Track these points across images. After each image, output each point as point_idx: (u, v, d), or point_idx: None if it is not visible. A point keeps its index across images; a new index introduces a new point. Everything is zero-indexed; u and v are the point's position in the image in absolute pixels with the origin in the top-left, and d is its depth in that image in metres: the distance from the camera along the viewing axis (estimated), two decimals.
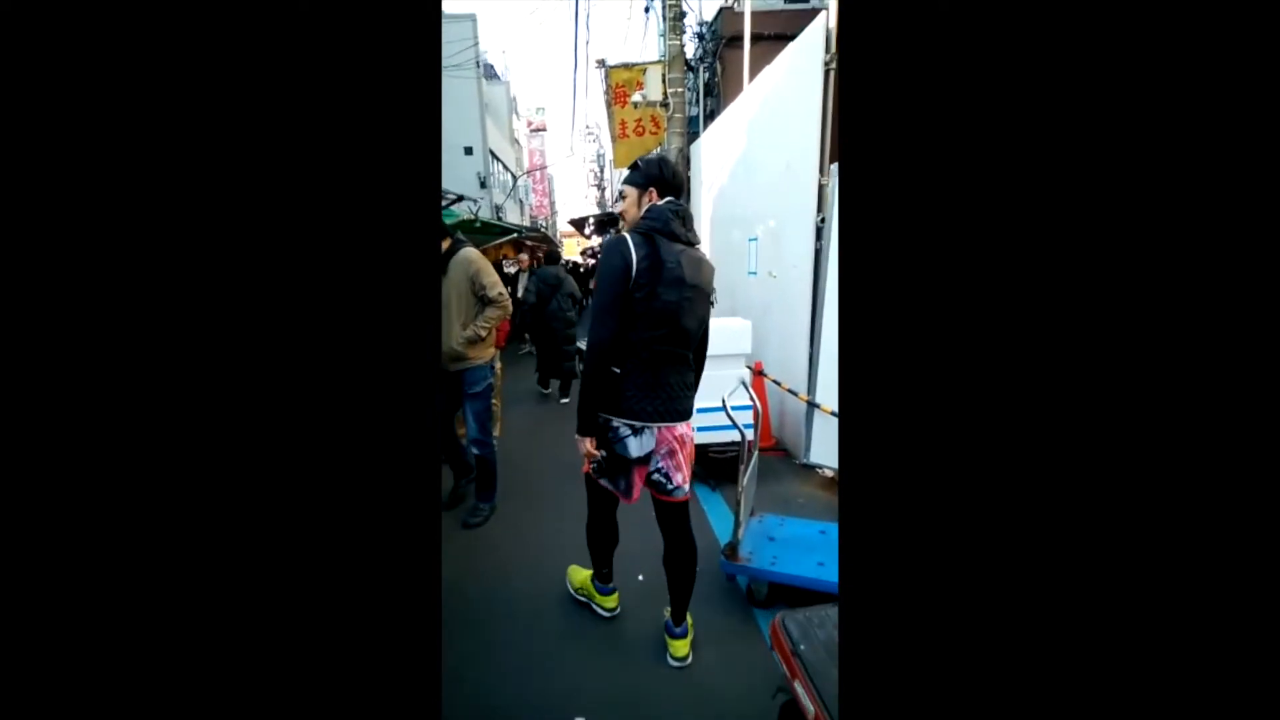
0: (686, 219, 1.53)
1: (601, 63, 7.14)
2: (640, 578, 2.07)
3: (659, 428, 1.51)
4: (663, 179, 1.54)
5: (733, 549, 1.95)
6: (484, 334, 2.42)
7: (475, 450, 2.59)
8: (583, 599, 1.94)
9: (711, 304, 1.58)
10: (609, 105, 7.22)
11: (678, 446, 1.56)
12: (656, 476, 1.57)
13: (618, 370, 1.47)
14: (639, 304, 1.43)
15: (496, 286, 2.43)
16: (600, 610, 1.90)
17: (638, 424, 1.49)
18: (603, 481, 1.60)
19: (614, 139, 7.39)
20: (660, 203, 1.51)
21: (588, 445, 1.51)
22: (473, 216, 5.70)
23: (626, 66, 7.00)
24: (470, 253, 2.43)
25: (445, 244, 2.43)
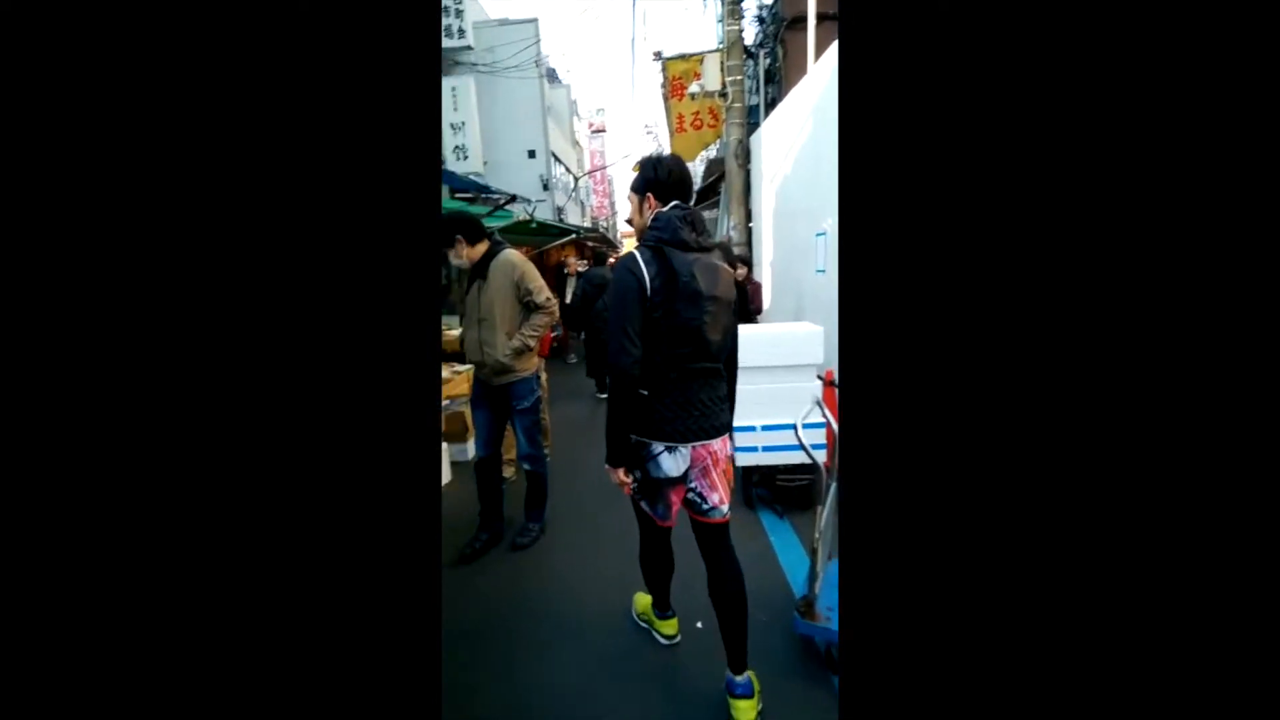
0: (696, 223, 1.41)
1: (658, 55, 6.93)
2: (700, 625, 1.85)
3: (692, 446, 1.43)
4: (659, 181, 1.42)
5: (808, 605, 1.66)
6: (532, 343, 2.27)
7: (527, 466, 2.46)
8: (643, 624, 1.87)
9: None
10: (666, 99, 7.00)
11: (711, 463, 1.46)
12: (691, 496, 1.48)
13: (645, 392, 1.39)
14: (659, 323, 1.35)
15: (544, 290, 2.28)
16: (659, 637, 1.79)
17: (671, 444, 1.42)
18: (641, 504, 1.53)
19: (672, 134, 7.16)
20: (665, 209, 1.40)
21: (619, 475, 1.45)
22: (528, 217, 5.66)
23: (683, 57, 6.75)
24: (513, 255, 2.29)
25: (483, 247, 2.27)
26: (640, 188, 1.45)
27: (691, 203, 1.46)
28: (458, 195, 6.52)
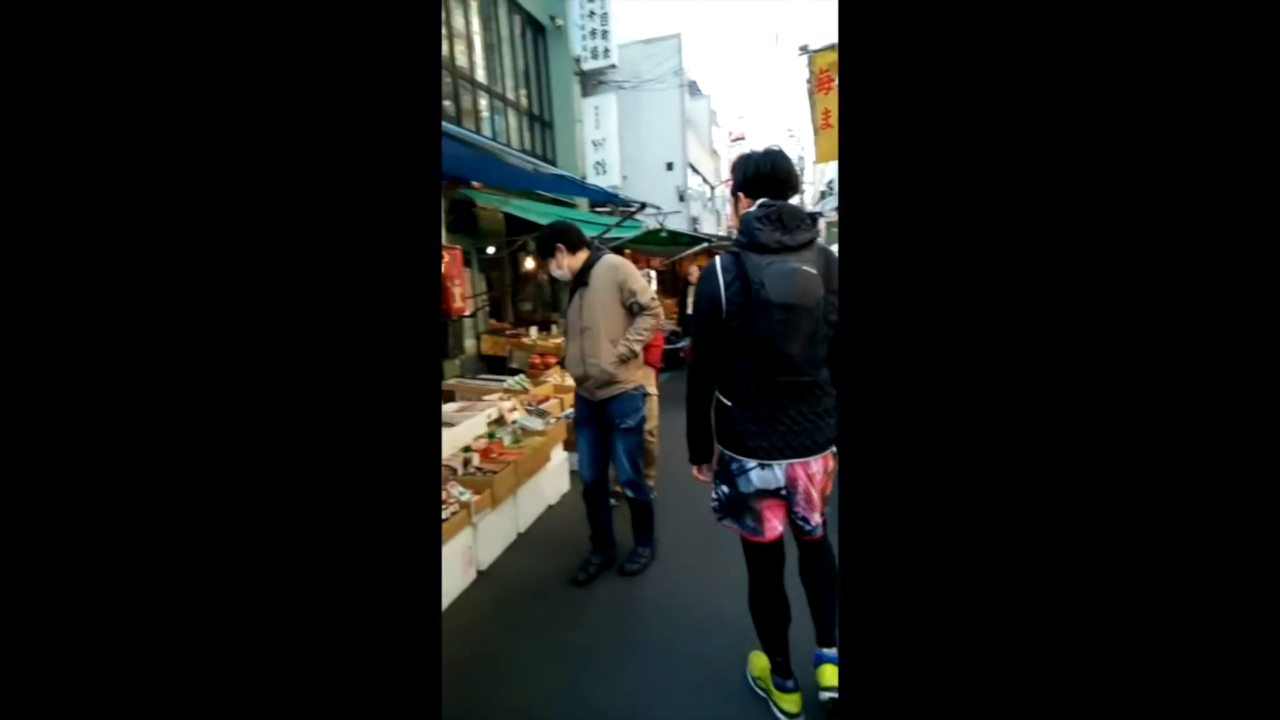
0: (784, 218, 1.30)
1: (804, 48, 6.47)
2: (825, 696, 1.51)
3: (787, 464, 1.36)
4: (746, 179, 1.38)
5: None
6: (637, 348, 2.09)
7: (629, 493, 2.27)
8: (760, 691, 1.60)
9: (831, 305, 1.33)
10: (811, 94, 6.50)
11: (809, 484, 1.39)
12: (798, 522, 1.44)
13: (729, 403, 1.39)
14: (736, 333, 1.31)
15: (647, 292, 2.10)
16: (778, 713, 1.51)
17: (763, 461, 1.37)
18: (726, 523, 1.48)
19: (816, 131, 6.63)
20: (750, 209, 1.33)
21: (696, 473, 1.56)
22: (659, 226, 5.58)
23: (832, 48, 6.22)
24: (614, 259, 2.15)
25: (583, 255, 2.16)
26: (734, 188, 1.42)
27: (792, 197, 1.39)
28: (597, 209, 6.72)
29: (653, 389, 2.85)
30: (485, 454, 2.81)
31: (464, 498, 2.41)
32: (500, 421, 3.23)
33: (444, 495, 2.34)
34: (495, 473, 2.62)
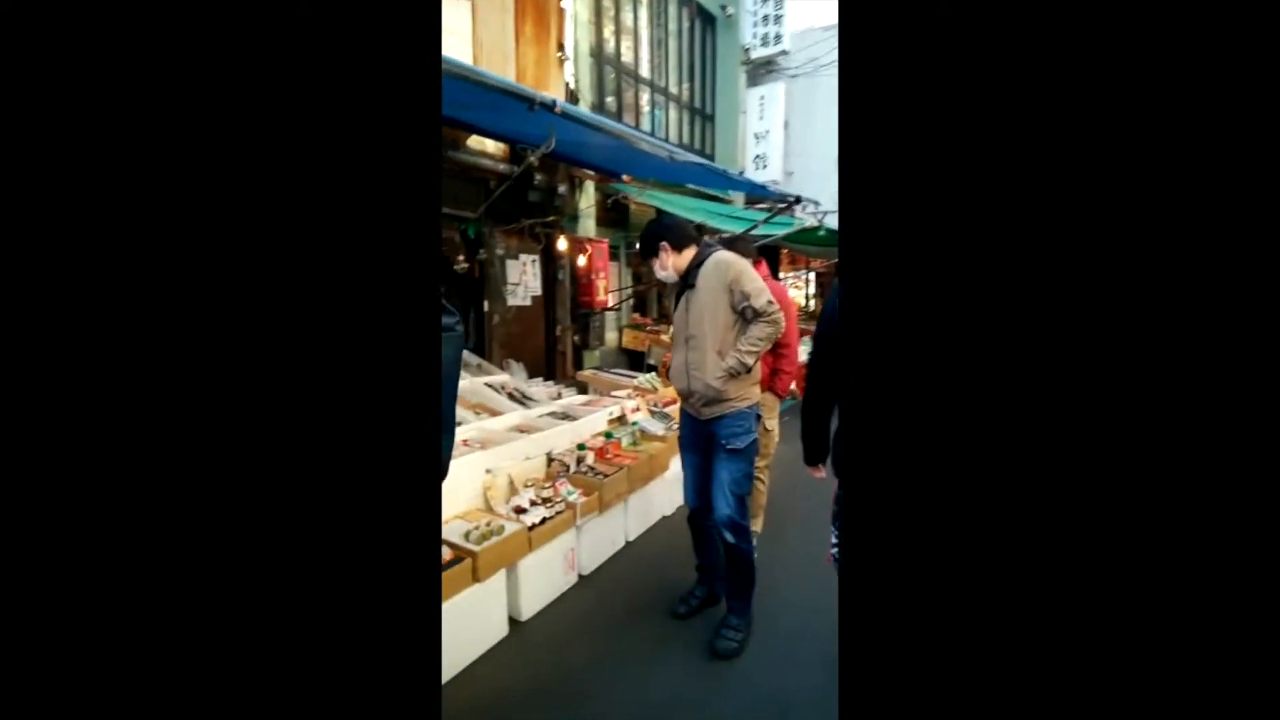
0: None
1: None
2: None
3: None
4: None
5: None
6: (750, 360, 1.74)
7: (728, 536, 1.85)
8: None
9: None
10: None
11: None
12: None
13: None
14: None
15: (764, 294, 1.73)
16: None
17: None
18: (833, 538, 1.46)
19: None
20: None
21: (811, 472, 1.63)
22: (817, 224, 5.04)
23: None
24: (724, 256, 1.82)
25: (690, 253, 1.87)
26: None
27: None
28: (755, 204, 6.34)
29: (771, 422, 2.45)
30: (600, 453, 2.72)
31: (571, 497, 2.32)
32: (621, 420, 3.12)
33: (552, 491, 2.27)
34: (607, 475, 2.50)
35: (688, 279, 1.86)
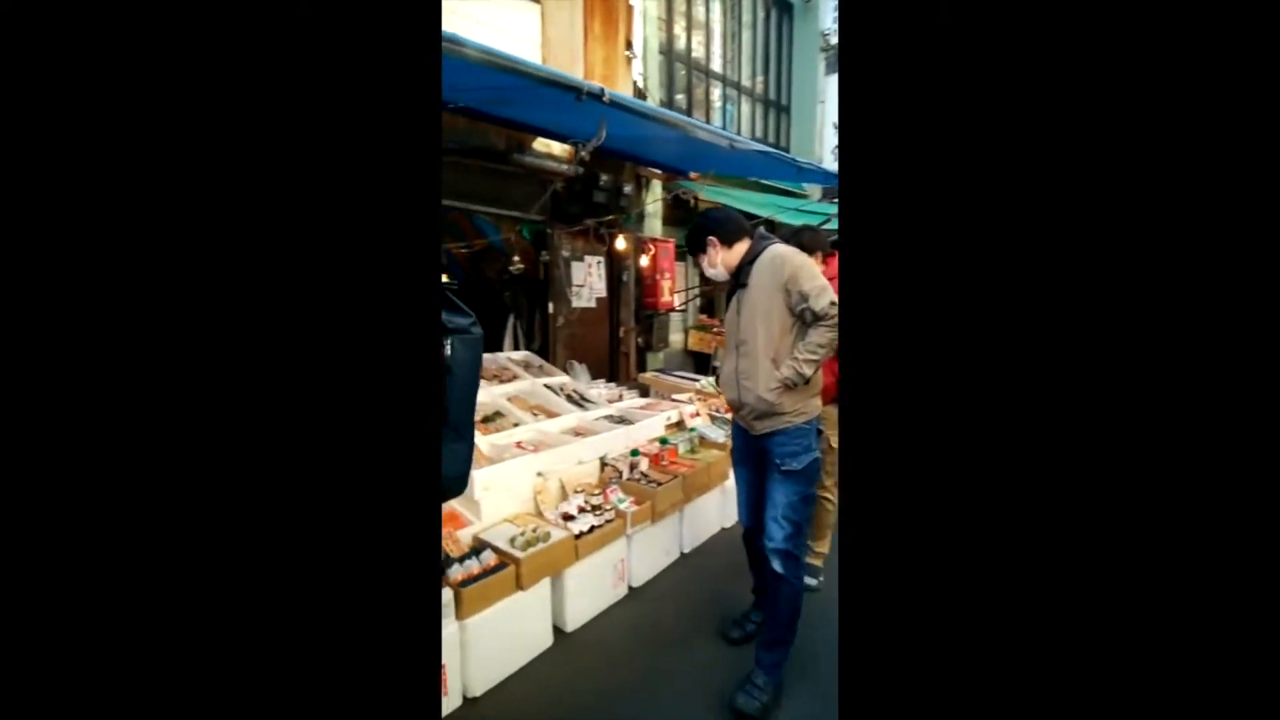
0: None
1: None
2: None
3: None
4: None
5: None
6: (809, 370, 1.53)
7: (776, 565, 1.61)
8: None
9: None
10: None
11: None
12: None
13: None
14: None
15: (825, 294, 1.51)
16: None
17: None
18: None
19: None
20: None
21: None
22: None
23: None
24: (780, 250, 1.61)
25: (742, 248, 1.68)
26: None
27: None
28: (834, 198, 5.98)
29: (837, 437, 2.21)
30: (656, 460, 2.62)
31: (622, 505, 2.24)
32: (680, 426, 3.01)
33: (602, 499, 2.20)
34: (661, 484, 2.39)
35: (739, 277, 1.67)
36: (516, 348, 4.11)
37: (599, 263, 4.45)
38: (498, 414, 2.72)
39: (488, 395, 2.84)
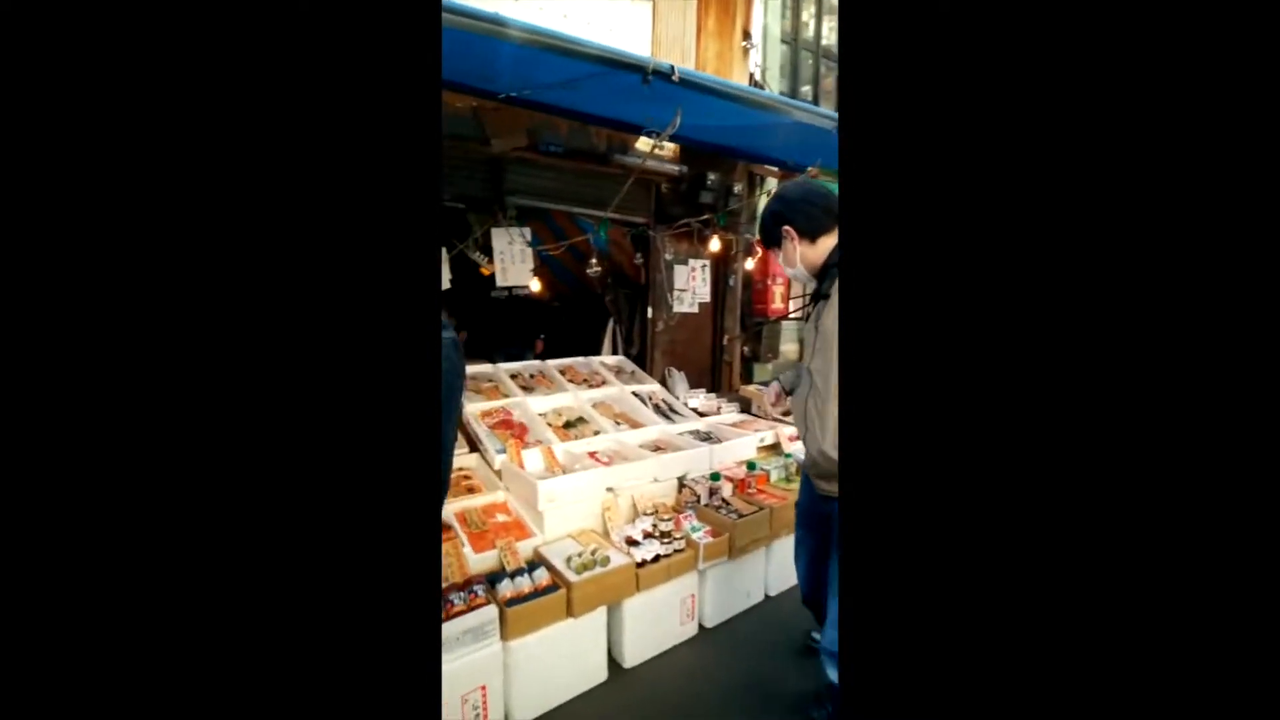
0: None
1: None
2: None
3: None
4: None
5: None
6: None
7: (830, 673, 1.28)
8: None
9: None
10: None
11: None
12: None
13: None
14: None
15: None
16: None
17: None
18: None
19: None
20: None
21: None
22: None
23: None
24: None
25: (830, 242, 1.29)
26: None
27: None
28: None
29: None
30: (742, 486, 2.35)
31: (696, 534, 2.02)
32: (775, 449, 2.69)
33: (674, 525, 2.00)
34: (743, 515, 2.12)
35: (822, 284, 1.30)
36: (615, 352, 4.05)
37: (703, 266, 4.23)
38: (580, 420, 2.64)
39: (574, 400, 2.79)
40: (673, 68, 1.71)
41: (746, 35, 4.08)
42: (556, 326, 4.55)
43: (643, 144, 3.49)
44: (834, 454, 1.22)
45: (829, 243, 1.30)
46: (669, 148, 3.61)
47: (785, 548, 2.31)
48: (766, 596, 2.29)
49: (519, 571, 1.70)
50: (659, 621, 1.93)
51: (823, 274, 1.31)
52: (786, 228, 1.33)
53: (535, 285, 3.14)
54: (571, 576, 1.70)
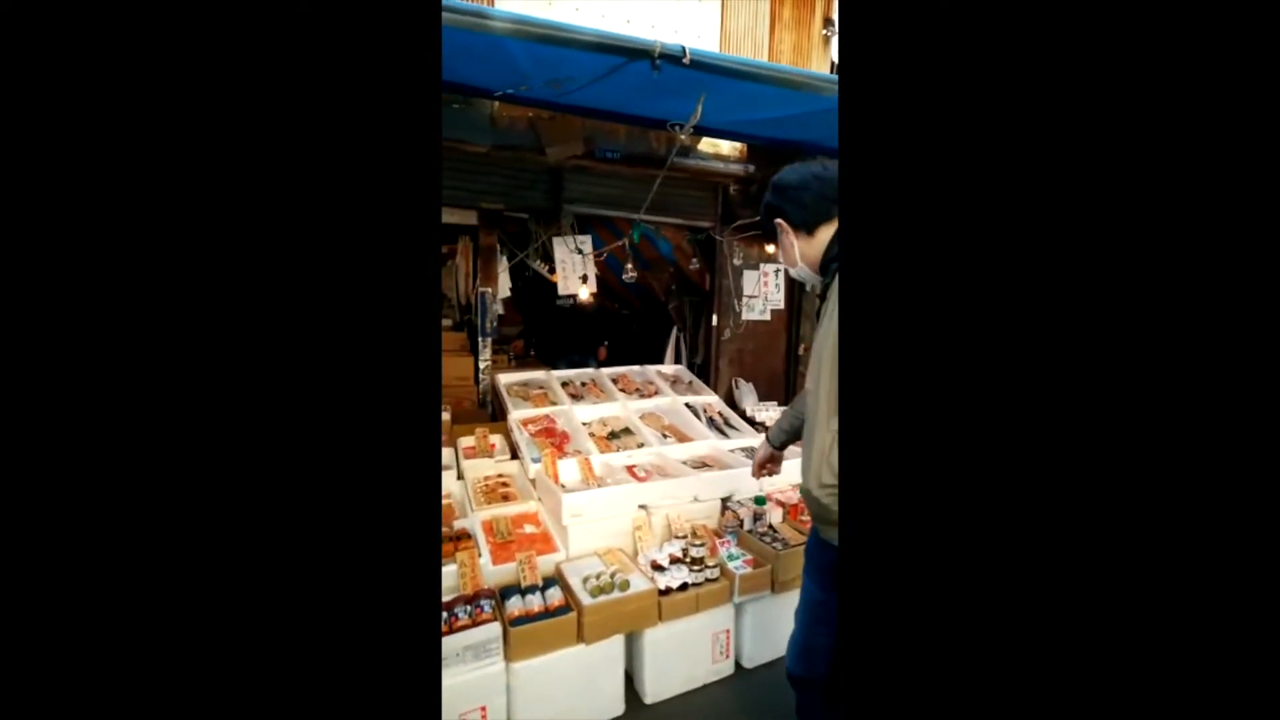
0: None
1: None
2: None
3: None
4: None
5: None
6: None
7: None
8: None
9: None
10: None
11: None
12: None
13: None
14: None
15: None
16: None
17: None
18: None
19: None
20: None
21: None
22: None
23: None
24: None
25: (828, 233, 1.08)
26: None
27: None
28: None
29: None
30: (795, 513, 2.11)
31: (733, 563, 1.83)
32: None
33: (708, 551, 1.83)
34: (790, 545, 1.90)
35: (826, 281, 1.10)
36: (678, 361, 3.91)
37: (777, 270, 3.97)
38: (626, 431, 2.54)
39: (621, 410, 2.70)
40: (683, 49, 1.54)
41: (828, 23, 3.80)
42: (623, 335, 4.50)
43: (705, 145, 3.35)
44: (822, 493, 1.01)
45: (827, 234, 1.09)
46: (735, 147, 3.43)
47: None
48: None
49: (532, 589, 1.62)
50: (686, 656, 1.76)
51: (824, 269, 1.10)
52: (779, 220, 1.14)
53: (584, 294, 3.10)
54: (585, 599, 1.60)
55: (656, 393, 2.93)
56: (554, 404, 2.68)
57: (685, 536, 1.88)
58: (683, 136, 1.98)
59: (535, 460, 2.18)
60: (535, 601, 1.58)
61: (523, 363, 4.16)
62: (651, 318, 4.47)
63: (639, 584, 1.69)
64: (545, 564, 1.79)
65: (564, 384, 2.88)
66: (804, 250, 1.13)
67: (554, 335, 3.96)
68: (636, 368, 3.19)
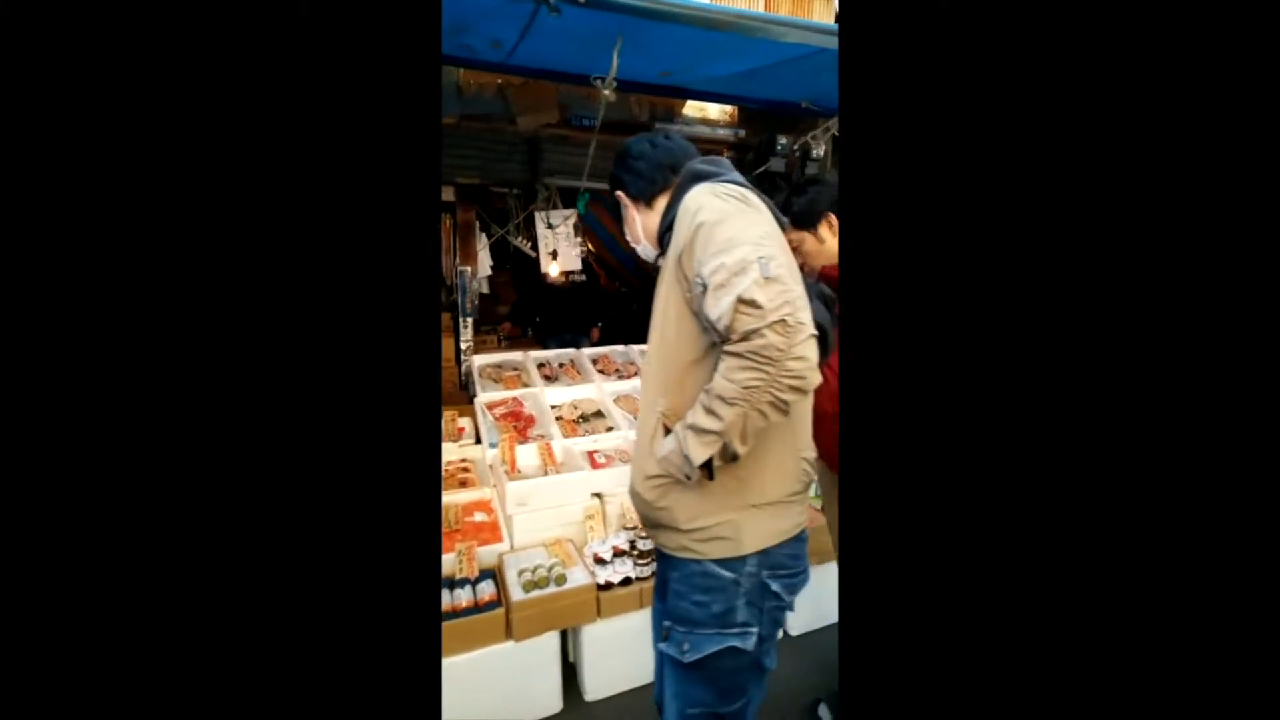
0: None
1: None
2: None
3: None
4: None
5: None
6: (698, 452, 0.77)
7: None
8: None
9: None
10: None
11: None
12: None
13: None
14: None
15: (741, 279, 0.74)
16: None
17: None
18: None
19: None
20: None
21: None
22: None
23: None
24: (693, 198, 0.89)
25: (663, 203, 0.96)
26: None
27: None
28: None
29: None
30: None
31: None
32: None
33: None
34: None
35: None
36: None
37: None
38: (597, 414, 2.44)
39: (596, 392, 2.59)
40: None
41: None
42: (623, 314, 4.36)
43: (691, 109, 3.13)
44: (644, 490, 0.89)
45: (663, 205, 0.97)
46: (725, 111, 3.20)
47: (816, 578, 1.90)
48: (787, 635, 1.92)
49: (464, 582, 1.56)
50: (631, 653, 1.67)
51: (660, 241, 0.98)
52: (619, 193, 1.03)
53: (554, 271, 2.97)
54: (516, 595, 1.52)
55: (637, 374, 2.81)
56: (526, 386, 2.60)
57: (634, 528, 1.78)
58: (606, 92, 1.79)
59: (493, 445, 2.11)
60: (464, 596, 1.52)
61: (515, 344, 4.09)
62: (652, 296, 4.32)
63: (579, 578, 1.61)
64: (489, 555, 1.72)
65: (541, 365, 2.79)
66: (645, 223, 1.01)
67: (545, 314, 3.86)
68: (619, 348, 3.06)
